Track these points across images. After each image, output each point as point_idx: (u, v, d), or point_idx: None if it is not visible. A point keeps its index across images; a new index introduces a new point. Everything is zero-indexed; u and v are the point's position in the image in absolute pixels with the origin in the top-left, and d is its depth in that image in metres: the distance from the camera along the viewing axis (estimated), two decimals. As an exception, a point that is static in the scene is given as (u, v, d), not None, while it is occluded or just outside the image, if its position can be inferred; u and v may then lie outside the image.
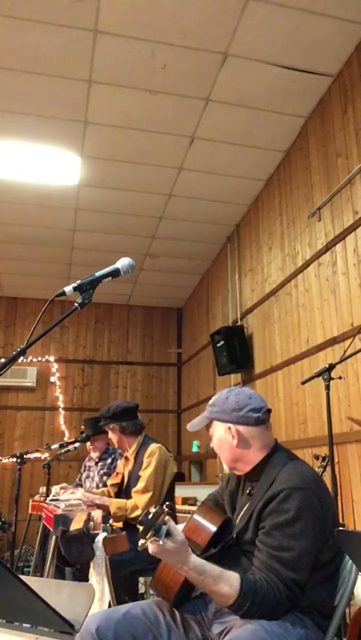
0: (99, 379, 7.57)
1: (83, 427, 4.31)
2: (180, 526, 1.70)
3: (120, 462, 3.28)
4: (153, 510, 1.35)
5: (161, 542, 1.34)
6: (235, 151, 4.48)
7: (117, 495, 3.11)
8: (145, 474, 2.86)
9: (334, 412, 3.27)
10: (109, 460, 3.98)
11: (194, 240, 6.02)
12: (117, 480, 3.18)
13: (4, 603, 1.03)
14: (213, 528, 1.64)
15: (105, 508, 2.75)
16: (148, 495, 2.80)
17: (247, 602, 1.38)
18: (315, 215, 3.96)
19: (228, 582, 1.39)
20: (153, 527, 1.33)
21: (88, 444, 4.02)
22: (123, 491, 3.08)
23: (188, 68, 3.62)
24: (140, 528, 1.34)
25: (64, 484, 3.60)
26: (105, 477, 3.83)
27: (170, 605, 1.60)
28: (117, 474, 3.22)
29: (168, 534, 1.36)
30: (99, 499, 2.87)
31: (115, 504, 2.81)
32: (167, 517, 1.36)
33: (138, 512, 2.78)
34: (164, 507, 1.36)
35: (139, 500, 2.81)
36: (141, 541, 1.34)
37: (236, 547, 1.63)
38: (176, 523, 1.67)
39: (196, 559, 1.41)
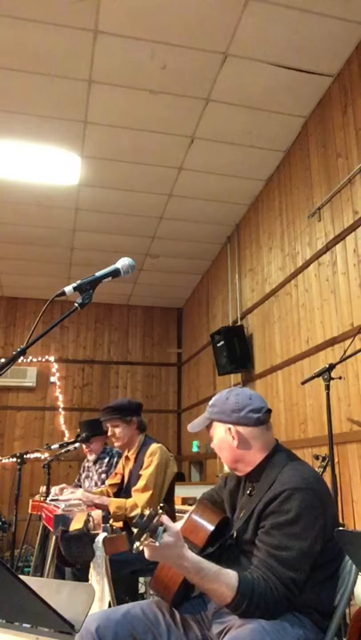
0: (99, 379, 7.57)
1: (78, 430, 4.30)
2: (178, 524, 1.70)
3: (120, 462, 3.27)
4: (147, 512, 1.33)
5: (157, 544, 1.31)
6: (235, 151, 4.48)
7: (117, 495, 3.10)
8: (145, 473, 2.86)
9: (334, 412, 3.27)
10: (107, 459, 3.98)
11: (194, 240, 6.02)
12: (117, 480, 3.17)
13: (4, 603, 1.03)
14: (211, 527, 1.64)
15: (104, 508, 2.75)
16: (148, 494, 2.79)
17: (245, 600, 1.37)
18: (315, 215, 3.96)
19: (225, 580, 1.39)
20: (148, 529, 1.30)
21: (84, 447, 4.01)
22: (123, 490, 3.07)
23: (188, 68, 3.62)
24: (135, 530, 1.33)
25: (63, 485, 3.60)
26: (103, 476, 3.83)
27: (169, 605, 1.60)
28: (116, 474, 3.21)
29: (164, 533, 1.34)
30: (98, 498, 2.87)
31: (114, 503, 2.81)
32: (164, 517, 1.35)
33: (137, 511, 2.77)
34: (159, 508, 1.35)
35: (138, 499, 2.80)
36: (136, 544, 1.30)
37: (235, 546, 1.63)
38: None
39: (193, 555, 1.41)
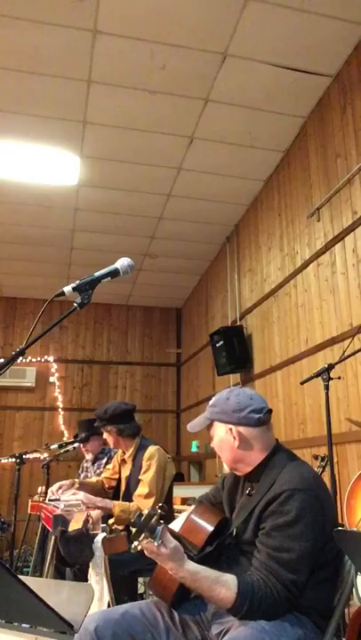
0: (98, 379, 7.57)
1: (77, 429, 4.30)
2: (176, 523, 1.70)
3: (115, 460, 3.25)
4: (145, 512, 1.33)
5: (156, 543, 1.32)
6: (234, 151, 4.48)
7: (114, 499, 3.08)
8: (146, 478, 2.82)
9: (333, 412, 3.26)
10: (105, 460, 3.97)
11: (193, 240, 6.02)
12: (113, 475, 3.17)
13: (3, 603, 1.03)
14: (210, 528, 1.63)
15: (107, 511, 2.73)
16: (152, 500, 2.76)
17: (245, 604, 1.38)
18: (314, 215, 3.96)
19: (224, 586, 1.39)
20: (146, 528, 1.31)
21: (82, 446, 4.01)
22: (123, 495, 3.04)
23: (187, 69, 3.62)
24: (133, 530, 1.33)
25: (62, 482, 3.57)
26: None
27: (168, 606, 1.60)
28: (114, 472, 3.19)
29: (162, 537, 1.35)
30: (101, 501, 2.84)
31: (118, 506, 2.77)
32: (161, 520, 1.35)
33: None
34: (157, 508, 1.35)
35: (142, 505, 2.76)
36: (134, 544, 1.32)
37: (235, 546, 1.63)
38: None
39: (190, 566, 1.41)
